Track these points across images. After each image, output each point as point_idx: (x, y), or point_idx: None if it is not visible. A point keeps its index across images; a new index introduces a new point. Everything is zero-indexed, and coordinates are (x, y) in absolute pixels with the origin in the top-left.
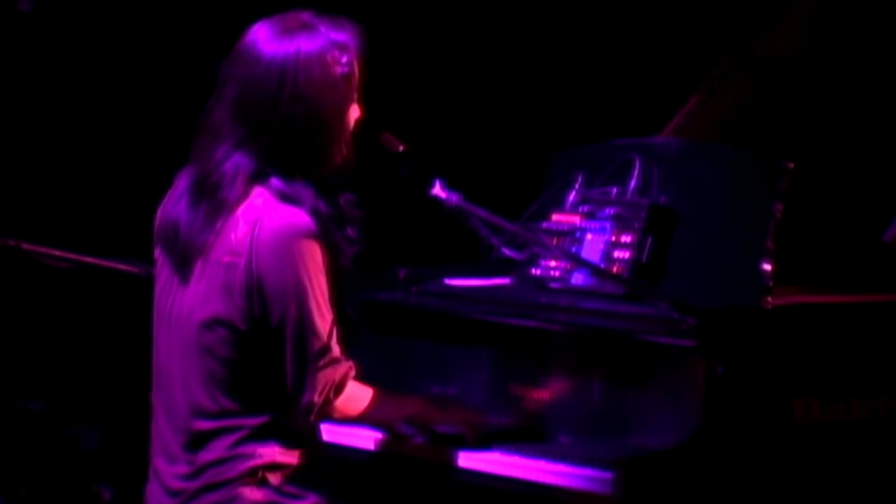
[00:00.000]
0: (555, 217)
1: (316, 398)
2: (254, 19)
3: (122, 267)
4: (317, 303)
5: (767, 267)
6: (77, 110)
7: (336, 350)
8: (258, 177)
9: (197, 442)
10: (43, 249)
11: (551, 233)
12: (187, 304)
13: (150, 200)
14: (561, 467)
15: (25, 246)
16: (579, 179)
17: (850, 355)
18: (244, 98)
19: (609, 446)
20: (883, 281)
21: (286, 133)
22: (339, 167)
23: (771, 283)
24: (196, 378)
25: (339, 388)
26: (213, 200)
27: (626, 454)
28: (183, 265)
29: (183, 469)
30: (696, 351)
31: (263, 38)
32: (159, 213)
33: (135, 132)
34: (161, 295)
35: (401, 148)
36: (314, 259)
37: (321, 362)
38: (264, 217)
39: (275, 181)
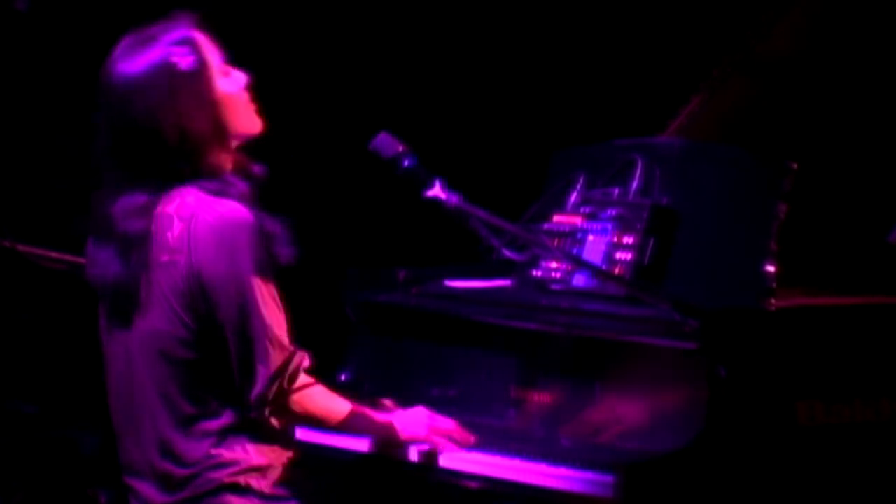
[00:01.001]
0: (556, 218)
1: (265, 390)
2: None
3: None
4: (261, 292)
5: (770, 268)
6: (74, 110)
7: (285, 340)
8: (158, 197)
9: (169, 455)
10: (38, 251)
11: (552, 234)
12: (139, 318)
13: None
14: (562, 470)
15: (21, 247)
16: (581, 180)
17: (854, 357)
18: (118, 140)
19: (610, 449)
20: (887, 282)
21: (169, 149)
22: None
23: (774, 285)
24: (157, 388)
25: (292, 377)
26: (115, 239)
27: (627, 457)
28: (127, 301)
29: (159, 484)
30: (698, 353)
31: (114, 74)
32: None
33: None
34: (108, 323)
35: (399, 147)
36: (254, 248)
37: (269, 352)
38: (199, 212)
39: (199, 181)
